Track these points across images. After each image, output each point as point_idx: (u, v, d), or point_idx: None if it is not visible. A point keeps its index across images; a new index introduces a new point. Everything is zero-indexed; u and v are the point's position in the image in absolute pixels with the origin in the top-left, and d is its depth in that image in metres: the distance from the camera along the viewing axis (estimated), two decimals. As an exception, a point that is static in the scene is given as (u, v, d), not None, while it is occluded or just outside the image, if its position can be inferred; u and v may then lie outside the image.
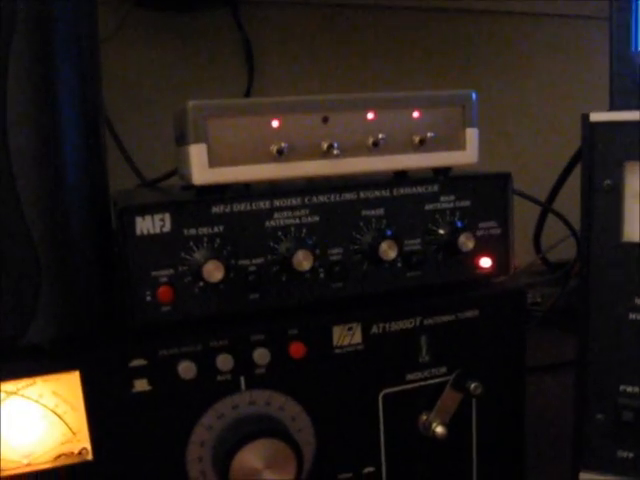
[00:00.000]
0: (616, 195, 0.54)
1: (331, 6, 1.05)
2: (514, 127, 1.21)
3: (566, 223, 0.85)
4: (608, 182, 0.53)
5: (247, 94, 0.97)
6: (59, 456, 0.47)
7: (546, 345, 0.82)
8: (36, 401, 0.46)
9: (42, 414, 0.47)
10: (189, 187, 0.52)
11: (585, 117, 0.53)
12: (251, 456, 0.47)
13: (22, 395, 0.46)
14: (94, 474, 0.47)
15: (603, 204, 0.54)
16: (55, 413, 0.47)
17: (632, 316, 0.54)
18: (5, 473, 0.46)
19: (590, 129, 0.53)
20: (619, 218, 0.54)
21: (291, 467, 0.48)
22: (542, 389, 0.76)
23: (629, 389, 0.55)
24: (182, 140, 0.49)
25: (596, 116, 0.53)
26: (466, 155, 0.53)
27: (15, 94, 0.42)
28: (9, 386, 0.46)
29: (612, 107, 0.55)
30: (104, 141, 0.53)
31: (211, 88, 0.98)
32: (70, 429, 0.47)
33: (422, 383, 0.54)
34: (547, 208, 0.88)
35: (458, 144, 0.53)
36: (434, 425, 0.53)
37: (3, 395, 0.46)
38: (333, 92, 1.02)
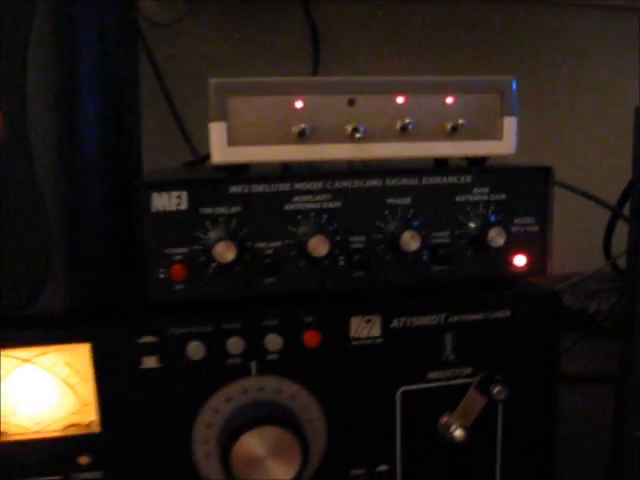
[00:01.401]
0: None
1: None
2: (577, 127, 1.16)
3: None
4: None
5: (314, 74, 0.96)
6: (68, 426, 0.48)
7: (600, 354, 0.77)
8: (49, 370, 0.47)
9: (54, 383, 0.47)
10: (219, 168, 0.51)
11: (638, 110, 0.49)
12: (255, 442, 0.46)
13: (35, 363, 0.47)
14: (101, 446, 0.47)
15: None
16: (66, 383, 0.47)
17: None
18: (15, 438, 0.47)
19: (644, 123, 0.49)
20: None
21: (297, 458, 0.47)
22: (588, 400, 0.72)
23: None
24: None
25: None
26: (503, 145, 0.50)
27: (36, 60, 0.42)
28: (23, 353, 0.46)
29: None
30: (135, 121, 0.53)
31: (277, 75, 0.97)
32: (80, 400, 0.48)
33: (444, 383, 0.51)
34: (617, 213, 0.82)
35: (494, 133, 0.50)
36: (454, 428, 0.50)
37: (16, 362, 0.46)
38: (402, 73, 1.01)
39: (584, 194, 0.74)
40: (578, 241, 1.00)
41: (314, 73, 0.97)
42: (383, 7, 1.03)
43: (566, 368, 0.71)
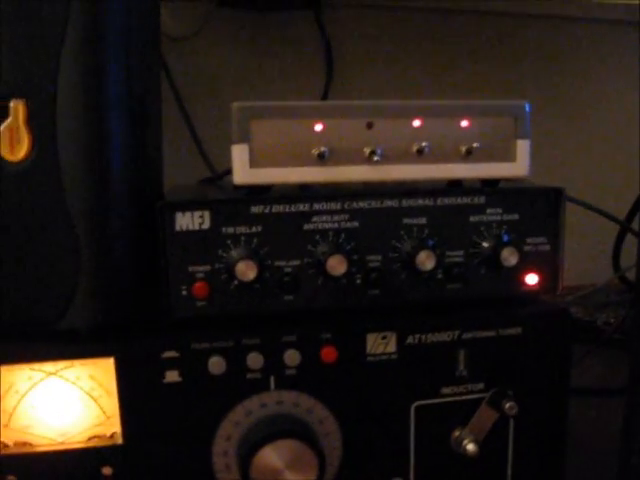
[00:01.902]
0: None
1: (411, 9, 1.04)
2: (583, 141, 1.17)
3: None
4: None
5: (325, 95, 0.98)
6: (92, 437, 0.49)
7: (609, 367, 0.78)
8: (73, 383, 0.49)
9: (78, 396, 0.49)
10: (238, 187, 0.52)
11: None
12: (273, 455, 0.47)
13: (60, 376, 0.48)
14: (123, 458, 0.49)
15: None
16: (90, 396, 0.49)
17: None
18: (40, 449, 0.49)
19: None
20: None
21: (313, 471, 0.48)
22: (596, 413, 0.73)
23: (681, 423, 0.52)
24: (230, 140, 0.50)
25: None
26: (516, 167, 0.51)
27: (65, 83, 0.44)
28: (49, 367, 0.48)
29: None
30: (158, 136, 0.54)
31: (290, 89, 0.99)
32: (104, 412, 0.49)
33: (457, 398, 0.52)
34: (625, 226, 0.84)
35: (508, 156, 0.51)
36: (466, 442, 0.52)
37: (43, 375, 0.48)
38: (413, 96, 1.02)
39: (592, 208, 0.76)
40: (588, 254, 1.01)
41: (327, 86, 0.98)
42: (398, 19, 1.04)
43: (574, 380, 0.72)
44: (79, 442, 0.49)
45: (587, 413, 0.71)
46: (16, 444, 0.48)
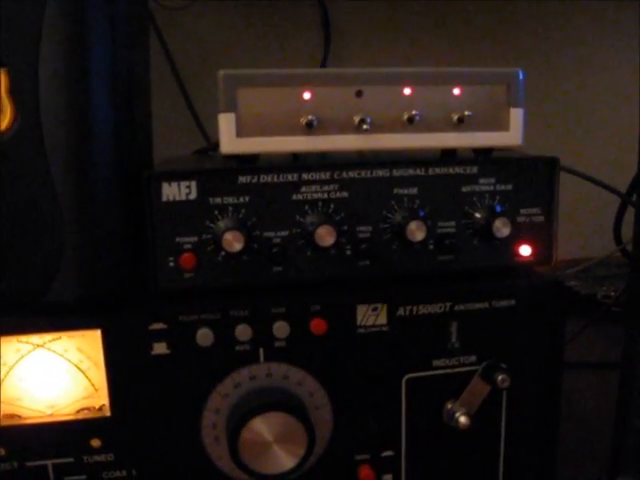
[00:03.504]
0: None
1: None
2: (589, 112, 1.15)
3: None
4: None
5: (323, 62, 0.96)
6: (81, 409, 0.49)
7: (608, 340, 0.77)
8: (61, 355, 0.48)
9: (66, 368, 0.49)
10: (229, 157, 0.52)
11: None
12: (263, 427, 0.47)
13: (48, 349, 0.48)
14: (111, 430, 0.49)
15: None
16: (79, 368, 0.49)
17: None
18: (29, 421, 0.48)
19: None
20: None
21: (303, 444, 0.48)
22: (593, 387, 0.72)
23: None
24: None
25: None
26: (509, 136, 0.50)
27: (48, 50, 0.43)
28: (36, 339, 0.48)
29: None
30: (146, 106, 0.53)
31: (288, 56, 0.98)
32: (92, 385, 0.49)
33: (449, 370, 0.52)
34: (625, 199, 0.82)
35: (501, 124, 0.50)
36: (458, 414, 0.51)
37: (30, 347, 0.48)
38: (411, 64, 1.01)
39: (593, 180, 0.74)
40: (589, 227, 1.00)
41: (324, 58, 0.97)
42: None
43: (572, 354, 0.71)
44: (68, 414, 0.49)
45: (584, 386, 0.70)
46: (5, 417, 0.48)
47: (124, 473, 0.50)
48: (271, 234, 0.48)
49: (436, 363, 0.52)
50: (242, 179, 0.47)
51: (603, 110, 1.16)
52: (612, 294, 0.88)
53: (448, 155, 0.52)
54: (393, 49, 1.04)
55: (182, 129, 0.89)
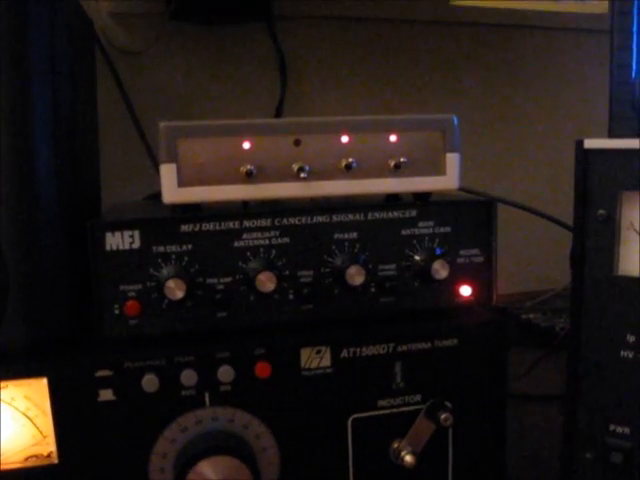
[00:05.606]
0: (611, 226, 0.51)
1: (364, 20, 1.05)
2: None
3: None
4: (602, 212, 0.51)
5: (279, 106, 0.98)
6: (29, 457, 0.50)
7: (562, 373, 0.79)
8: (8, 403, 0.49)
9: (14, 416, 0.49)
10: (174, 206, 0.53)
11: (579, 144, 0.51)
12: (209, 471, 0.48)
13: (-5, 397, 0.49)
14: (59, 477, 0.49)
15: (596, 235, 0.52)
16: (26, 416, 0.49)
17: (624, 354, 0.52)
18: (-23, 470, 0.49)
19: (584, 156, 0.51)
20: (613, 250, 0.51)
21: (248, 486, 0.49)
22: (547, 419, 0.73)
23: (619, 429, 0.52)
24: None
25: (590, 143, 0.51)
26: (446, 180, 0.52)
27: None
28: (-17, 388, 0.48)
29: (611, 134, 0.53)
30: (93, 153, 0.55)
31: (244, 101, 0.99)
32: (40, 432, 0.49)
33: (395, 410, 0.53)
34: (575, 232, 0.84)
35: (438, 169, 0.51)
36: (404, 453, 0.52)
37: (-23, 396, 0.48)
38: (367, 106, 1.03)
39: (545, 216, 0.76)
40: (546, 260, 1.02)
41: (281, 97, 0.98)
42: (352, 30, 1.05)
43: (530, 386, 0.72)
44: (16, 462, 0.49)
45: (541, 419, 0.71)
46: (-47, 465, 0.49)
47: (73, 520, 0.50)
48: (214, 281, 0.49)
49: (381, 403, 0.53)
50: (184, 227, 0.49)
51: (544, 149, 1.19)
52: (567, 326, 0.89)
53: (391, 199, 0.54)
54: (352, 85, 1.07)
55: (141, 173, 0.90)
